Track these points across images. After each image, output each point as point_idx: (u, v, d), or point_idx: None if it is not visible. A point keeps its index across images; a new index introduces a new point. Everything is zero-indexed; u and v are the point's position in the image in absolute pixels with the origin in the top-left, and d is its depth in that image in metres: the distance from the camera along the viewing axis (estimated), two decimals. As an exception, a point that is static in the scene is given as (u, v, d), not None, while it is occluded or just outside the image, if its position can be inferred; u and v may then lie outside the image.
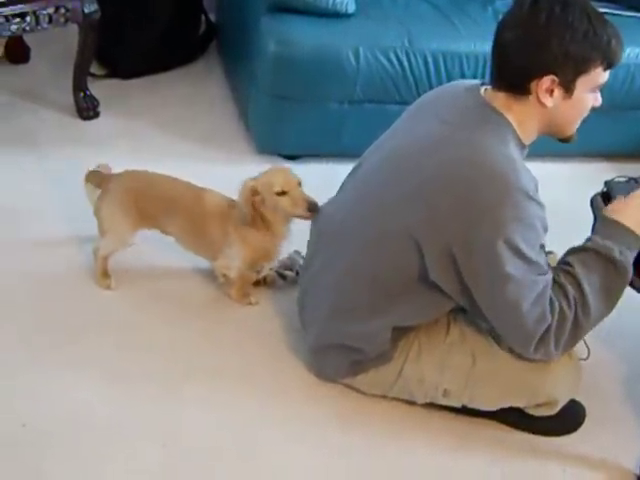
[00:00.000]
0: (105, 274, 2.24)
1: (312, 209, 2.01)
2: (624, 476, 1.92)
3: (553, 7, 1.60)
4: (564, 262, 1.74)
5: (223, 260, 2.16)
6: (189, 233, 2.19)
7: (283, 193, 2.02)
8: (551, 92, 1.64)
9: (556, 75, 1.62)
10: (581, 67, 1.62)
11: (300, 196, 2.03)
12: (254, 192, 2.04)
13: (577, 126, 1.76)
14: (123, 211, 2.15)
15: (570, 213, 2.25)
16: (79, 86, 2.91)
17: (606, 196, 1.89)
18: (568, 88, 1.64)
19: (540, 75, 1.62)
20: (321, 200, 2.04)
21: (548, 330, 1.67)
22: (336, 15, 2.67)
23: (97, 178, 2.20)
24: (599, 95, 1.72)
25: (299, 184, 2.05)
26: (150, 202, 2.16)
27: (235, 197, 2.10)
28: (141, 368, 2.02)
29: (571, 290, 1.68)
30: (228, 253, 2.14)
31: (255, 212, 2.06)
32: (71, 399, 1.91)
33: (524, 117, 1.69)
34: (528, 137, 1.74)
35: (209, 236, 2.15)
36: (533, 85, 1.64)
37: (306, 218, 2.04)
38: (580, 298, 1.68)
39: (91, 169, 2.23)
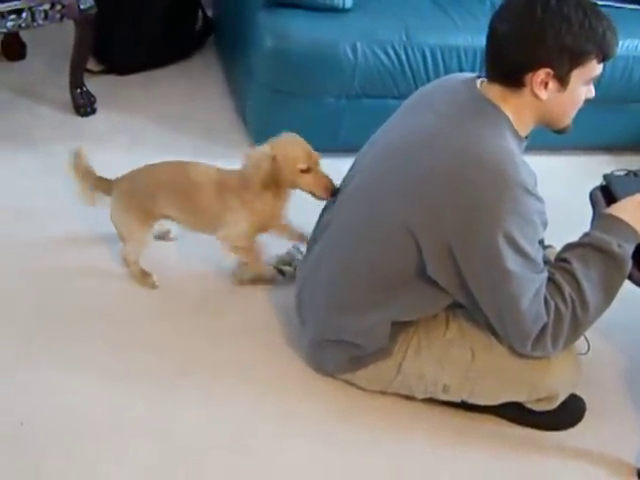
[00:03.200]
0: (144, 274, 2.24)
1: (332, 192, 1.95)
2: (625, 469, 1.92)
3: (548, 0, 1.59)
4: (561, 259, 1.73)
5: (228, 229, 2.07)
6: (185, 210, 2.14)
7: (307, 170, 1.96)
8: (546, 85, 1.63)
9: (552, 68, 1.61)
10: (576, 60, 1.61)
11: (323, 176, 1.97)
12: (274, 161, 1.95)
13: (572, 117, 1.74)
14: (132, 215, 2.15)
15: (569, 207, 2.24)
16: (76, 82, 2.91)
17: (605, 190, 1.88)
18: (563, 81, 1.63)
19: (535, 68, 1.61)
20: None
21: (544, 329, 1.66)
22: (333, 9, 2.66)
23: (102, 184, 2.19)
24: (592, 87, 1.71)
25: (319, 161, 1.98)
26: (144, 196, 2.14)
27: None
28: (138, 364, 2.01)
29: (567, 288, 1.66)
30: (231, 220, 2.06)
31: (269, 180, 1.97)
32: (68, 397, 1.91)
33: (519, 109, 1.68)
34: (524, 129, 1.72)
35: (203, 206, 2.09)
36: (528, 78, 1.63)
37: (322, 199, 1.99)
38: (578, 295, 1.66)
39: (87, 166, 2.19)
